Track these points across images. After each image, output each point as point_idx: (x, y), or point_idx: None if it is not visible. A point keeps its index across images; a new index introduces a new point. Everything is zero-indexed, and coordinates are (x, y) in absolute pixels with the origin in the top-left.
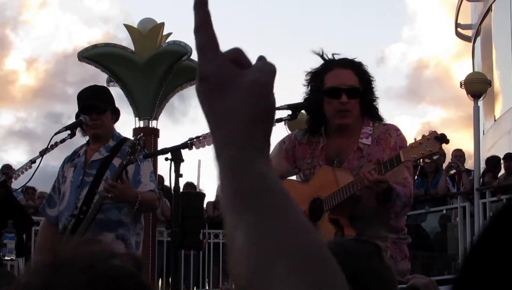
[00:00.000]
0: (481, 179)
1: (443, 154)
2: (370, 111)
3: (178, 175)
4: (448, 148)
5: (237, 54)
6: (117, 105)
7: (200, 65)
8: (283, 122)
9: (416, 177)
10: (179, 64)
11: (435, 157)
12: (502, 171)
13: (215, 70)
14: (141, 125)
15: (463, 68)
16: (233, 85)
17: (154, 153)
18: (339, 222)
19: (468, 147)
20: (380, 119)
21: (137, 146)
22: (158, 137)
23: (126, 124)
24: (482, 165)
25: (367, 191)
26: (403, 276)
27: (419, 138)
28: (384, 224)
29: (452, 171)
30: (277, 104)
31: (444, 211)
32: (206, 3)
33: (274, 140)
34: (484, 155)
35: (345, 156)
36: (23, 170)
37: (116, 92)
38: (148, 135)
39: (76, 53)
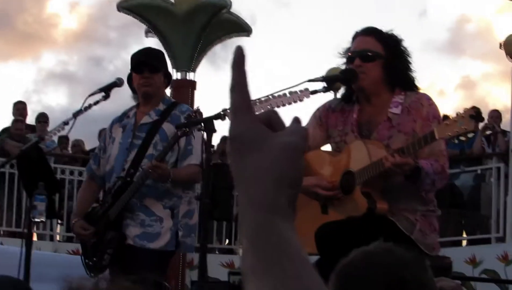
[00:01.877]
0: None
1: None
2: (398, 79)
3: (210, 146)
4: (485, 108)
5: (271, 117)
6: None
7: (231, 125)
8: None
9: None
10: (218, 17)
11: (470, 135)
12: None
13: (245, 131)
14: (179, 77)
15: (506, 23)
16: (262, 147)
17: (187, 124)
18: (371, 195)
19: (507, 102)
20: (413, 88)
21: (194, 118)
22: (195, 89)
23: None
24: None
25: (391, 172)
26: (432, 249)
27: (458, 110)
28: (415, 197)
29: (488, 132)
30: (313, 76)
31: (479, 171)
32: (244, 63)
33: (311, 111)
34: None
35: (375, 126)
36: (56, 131)
37: (154, 43)
38: (185, 88)
39: None
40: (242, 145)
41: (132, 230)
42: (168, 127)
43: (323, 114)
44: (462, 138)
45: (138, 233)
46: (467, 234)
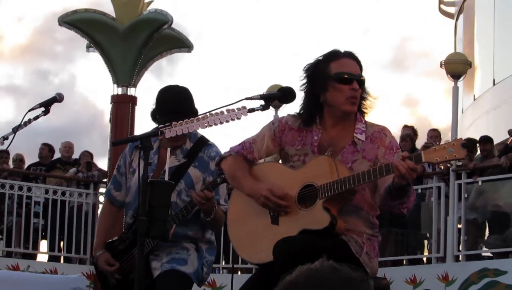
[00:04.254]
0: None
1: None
2: (362, 107)
3: (147, 163)
4: (424, 128)
5: None
6: (95, 71)
7: None
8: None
9: None
10: (160, 33)
11: (459, 163)
12: (479, 153)
13: None
14: (119, 92)
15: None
16: None
17: (123, 141)
18: (331, 211)
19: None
20: (364, 114)
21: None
22: (136, 105)
23: (105, 91)
24: None
25: (398, 180)
26: (374, 274)
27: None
28: (364, 220)
29: None
30: (250, 95)
31: (419, 191)
32: None
33: (249, 126)
34: (462, 134)
35: (339, 148)
36: None
37: (95, 58)
38: (125, 103)
39: (66, 12)
40: None
41: (158, 263)
42: (194, 173)
43: (278, 129)
44: (449, 164)
45: (164, 260)
46: (407, 253)
